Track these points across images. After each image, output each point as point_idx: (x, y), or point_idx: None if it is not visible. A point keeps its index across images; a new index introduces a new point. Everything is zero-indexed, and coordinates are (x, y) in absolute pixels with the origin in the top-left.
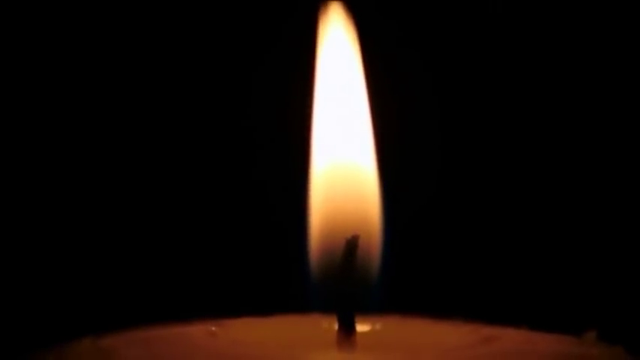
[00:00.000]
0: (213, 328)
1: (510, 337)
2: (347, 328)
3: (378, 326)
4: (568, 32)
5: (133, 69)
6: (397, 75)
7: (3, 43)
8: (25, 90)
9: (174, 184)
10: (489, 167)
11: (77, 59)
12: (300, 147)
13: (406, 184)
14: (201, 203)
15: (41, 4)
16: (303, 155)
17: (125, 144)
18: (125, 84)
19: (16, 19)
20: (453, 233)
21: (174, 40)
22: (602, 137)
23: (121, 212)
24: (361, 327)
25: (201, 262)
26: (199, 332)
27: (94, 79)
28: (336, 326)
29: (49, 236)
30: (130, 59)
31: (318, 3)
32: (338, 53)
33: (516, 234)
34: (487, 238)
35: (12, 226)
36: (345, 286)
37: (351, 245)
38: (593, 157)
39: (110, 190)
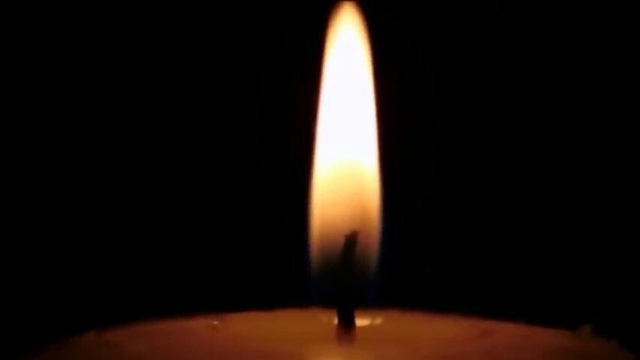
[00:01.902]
0: (215, 323)
1: (507, 331)
2: (346, 323)
3: (377, 321)
4: (569, 35)
5: (140, 67)
6: (404, 77)
7: (3, 43)
8: (25, 90)
9: (175, 179)
10: (487, 163)
11: (79, 60)
12: (304, 145)
13: (405, 182)
14: (202, 198)
15: (42, 4)
16: (307, 153)
17: (132, 140)
18: (130, 82)
19: (16, 19)
20: (452, 229)
21: (180, 37)
22: (598, 134)
23: (124, 208)
24: (361, 321)
25: (203, 258)
26: (201, 326)
27: (95, 79)
28: (335, 321)
29: (53, 232)
30: (136, 57)
31: (331, 2)
32: (347, 53)
33: (513, 230)
34: (484, 234)
35: (14, 222)
36: (345, 281)
37: (350, 241)
38: (586, 152)
39: (112, 186)
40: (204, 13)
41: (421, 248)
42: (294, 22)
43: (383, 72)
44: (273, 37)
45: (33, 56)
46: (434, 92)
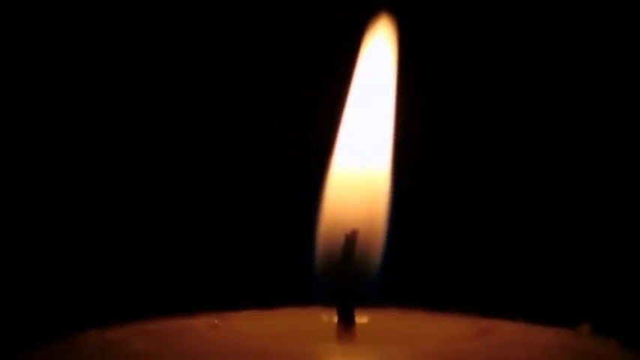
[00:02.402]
0: (216, 321)
1: (506, 329)
2: (346, 321)
3: (377, 319)
4: (575, 37)
5: (163, 67)
6: (428, 91)
7: (3, 43)
8: (26, 90)
9: (177, 178)
10: (487, 164)
11: (85, 60)
12: (318, 147)
13: (411, 184)
14: (205, 197)
15: (46, 4)
16: (318, 154)
17: (133, 137)
18: (144, 80)
19: (17, 19)
20: (451, 228)
21: (208, 40)
22: (597, 135)
23: (127, 206)
24: (360, 319)
25: (205, 257)
26: (202, 325)
27: (108, 78)
28: (335, 319)
29: (53, 232)
30: (160, 57)
31: (369, 12)
32: (377, 64)
33: (513, 230)
34: (484, 234)
35: (14, 222)
36: (345, 279)
37: (350, 240)
38: (586, 153)
39: (113, 186)
40: (235, 19)
41: (422, 248)
42: (330, 27)
43: (407, 84)
44: (304, 41)
45: (34, 56)
46: (452, 107)
